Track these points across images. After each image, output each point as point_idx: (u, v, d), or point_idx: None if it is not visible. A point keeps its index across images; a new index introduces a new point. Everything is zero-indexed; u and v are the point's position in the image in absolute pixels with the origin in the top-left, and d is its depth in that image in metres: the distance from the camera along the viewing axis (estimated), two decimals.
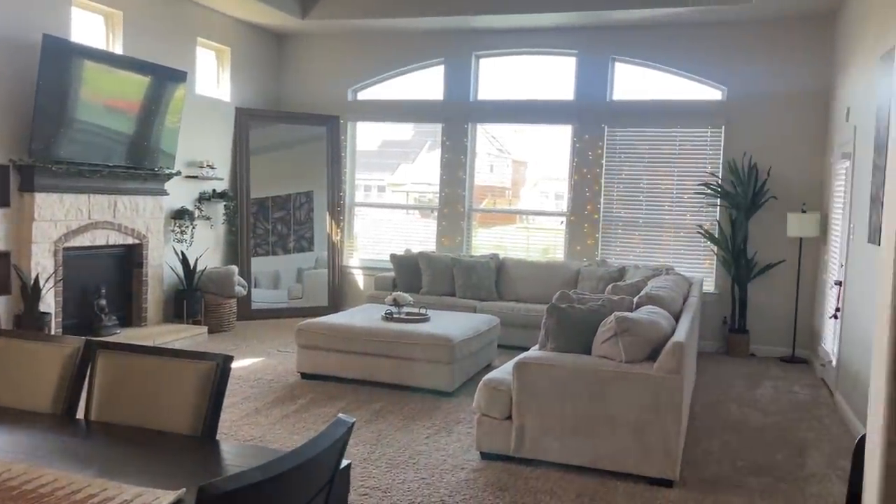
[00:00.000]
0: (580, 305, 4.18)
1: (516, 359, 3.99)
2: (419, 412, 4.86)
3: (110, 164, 6.22)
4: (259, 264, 8.32)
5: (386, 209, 8.92)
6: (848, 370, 5.23)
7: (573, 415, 3.83)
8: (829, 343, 6.10)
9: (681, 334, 3.91)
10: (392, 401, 5.09)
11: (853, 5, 6.03)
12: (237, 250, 8.15)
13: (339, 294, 8.67)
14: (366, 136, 8.88)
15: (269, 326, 7.70)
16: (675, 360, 3.68)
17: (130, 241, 6.63)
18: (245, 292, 7.60)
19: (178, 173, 7.00)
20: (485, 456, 4.04)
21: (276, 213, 8.44)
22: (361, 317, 5.82)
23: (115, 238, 6.45)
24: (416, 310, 6.07)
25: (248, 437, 4.26)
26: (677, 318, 4.72)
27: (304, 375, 5.62)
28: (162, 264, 6.98)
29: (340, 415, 1.71)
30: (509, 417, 3.96)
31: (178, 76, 6.80)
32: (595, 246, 7.84)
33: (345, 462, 2.00)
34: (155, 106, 6.60)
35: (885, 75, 4.55)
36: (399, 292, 5.94)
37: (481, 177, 8.52)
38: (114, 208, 6.37)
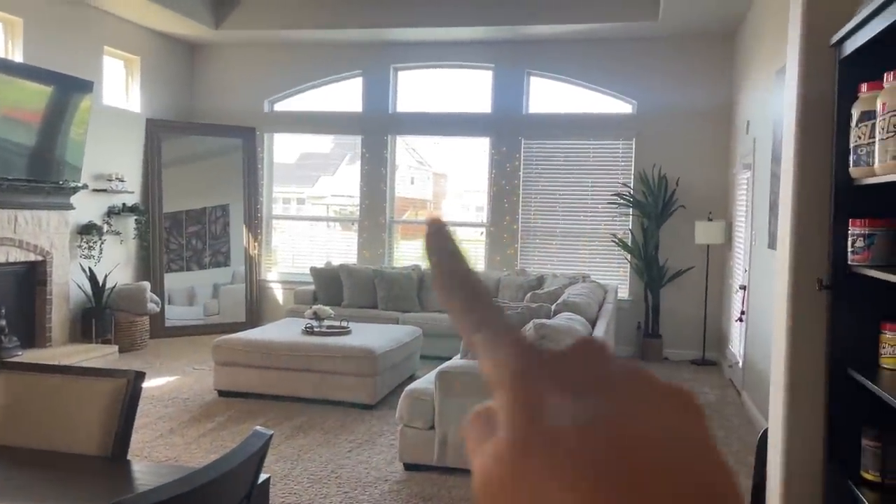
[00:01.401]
0: None
1: (438, 368, 4.01)
2: (341, 426, 4.81)
3: (9, 178, 5.91)
4: (173, 280, 8.07)
5: (306, 222, 8.82)
6: (753, 370, 5.50)
7: None
8: (736, 345, 6.40)
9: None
10: (314, 415, 5.02)
11: (751, 24, 6.39)
12: (149, 266, 7.87)
13: (257, 309, 8.50)
14: (284, 148, 8.77)
15: (185, 344, 7.46)
16: None
17: (33, 257, 6.31)
18: (158, 309, 7.35)
19: (85, 187, 6.72)
20: (408, 467, 4.04)
21: (190, 227, 8.21)
22: (281, 331, 5.72)
23: (16, 255, 6.12)
24: (337, 323, 6.01)
25: (162, 457, 4.11)
26: (593, 324, 4.85)
27: (222, 393, 5.47)
28: (68, 282, 6.67)
29: (258, 427, 1.68)
30: (432, 427, 3.98)
31: (84, 86, 6.54)
32: (514, 255, 7.98)
33: (263, 476, 1.97)
34: (59, 117, 6.32)
35: (779, 90, 4.84)
36: (319, 305, 5.88)
37: (402, 189, 8.55)
38: (14, 223, 6.05)
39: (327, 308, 5.82)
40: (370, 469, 4.04)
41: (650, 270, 7.42)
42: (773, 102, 5.08)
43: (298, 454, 4.24)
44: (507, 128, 7.93)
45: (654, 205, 7.40)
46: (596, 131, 7.74)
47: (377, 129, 8.23)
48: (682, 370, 7.00)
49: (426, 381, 4.19)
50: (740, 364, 6.03)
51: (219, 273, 8.38)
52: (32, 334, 6.42)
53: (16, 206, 6.05)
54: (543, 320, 4.00)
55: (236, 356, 5.38)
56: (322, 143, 8.93)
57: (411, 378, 6.07)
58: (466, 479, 3.89)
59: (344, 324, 5.98)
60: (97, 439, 2.10)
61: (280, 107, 8.66)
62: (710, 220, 7.30)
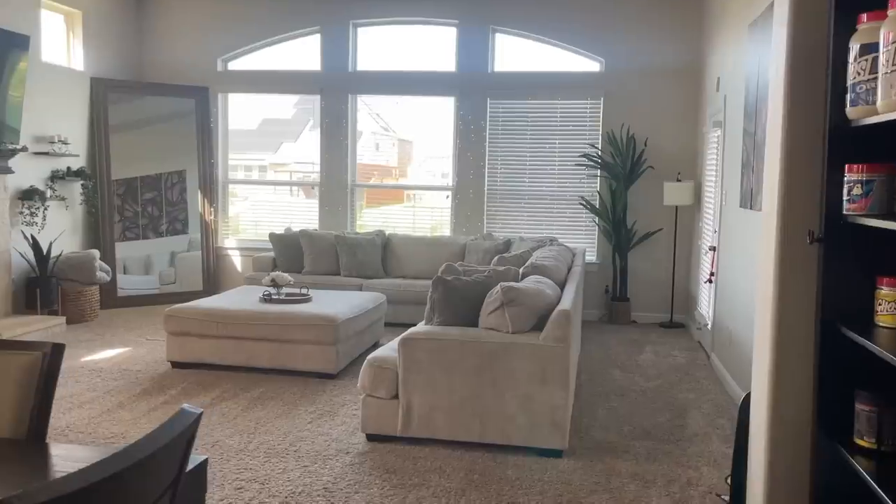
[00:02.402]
0: (466, 277, 4.05)
1: (401, 335, 3.80)
2: (301, 397, 4.60)
3: None
4: (128, 249, 7.70)
5: (267, 188, 8.48)
6: (722, 332, 5.41)
7: (461, 390, 3.70)
8: (705, 307, 6.31)
9: (566, 303, 3.86)
10: (273, 387, 4.79)
11: None
12: (99, 234, 7.50)
13: (214, 278, 8.19)
14: (243, 113, 8.37)
15: (139, 314, 7.15)
16: (561, 329, 3.62)
17: None
18: (109, 278, 7.00)
19: (24, 149, 6.31)
20: (371, 438, 3.85)
21: (146, 193, 7.82)
22: (237, 299, 5.46)
23: None
24: (296, 290, 5.77)
25: (107, 434, 3.85)
26: (562, 286, 4.69)
27: (176, 364, 5.21)
28: (9, 250, 6.29)
29: (185, 405, 1.45)
30: (396, 396, 3.79)
31: (19, 41, 6.10)
32: (480, 219, 7.78)
33: (200, 458, 1.75)
34: None
35: (752, 44, 4.67)
36: (278, 272, 5.62)
37: (367, 156, 8.25)
38: None
39: (286, 275, 5.57)
40: (331, 441, 3.85)
41: (618, 233, 7.29)
42: (745, 57, 4.90)
43: (255, 427, 4.03)
44: (472, 87, 7.67)
45: (623, 166, 7.24)
46: (563, 91, 7.52)
47: (337, 88, 7.90)
48: (650, 333, 6.92)
49: (389, 348, 3.99)
50: (709, 326, 5.95)
51: (176, 241, 8.04)
52: None
53: None
54: (511, 283, 3.81)
55: (189, 326, 5.11)
56: (284, 109, 8.55)
57: (375, 346, 5.88)
58: (432, 449, 3.73)
59: (304, 291, 5.74)
60: (9, 420, 1.85)
61: (234, 65, 8.26)
62: (678, 180, 7.17)
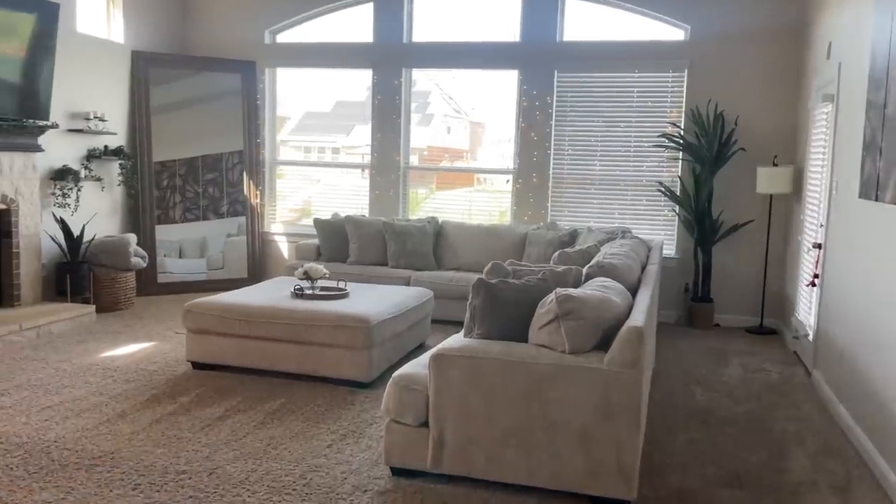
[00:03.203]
0: (515, 280, 3.33)
1: (433, 350, 3.13)
2: (326, 411, 4.00)
3: None
4: (173, 232, 7.30)
5: (336, 170, 7.86)
6: (828, 345, 4.52)
7: (504, 420, 3.01)
8: (805, 314, 5.40)
9: (639, 316, 3.10)
10: (296, 396, 4.22)
11: None
12: (138, 216, 7.11)
13: (259, 264, 7.72)
14: (316, 94, 7.77)
15: (176, 303, 6.73)
16: (632, 351, 2.87)
17: None
18: (145, 264, 6.60)
19: (55, 126, 5.92)
20: (396, 472, 3.21)
21: (200, 173, 7.40)
22: (265, 294, 4.91)
23: None
24: (333, 283, 5.18)
25: (96, 453, 3.34)
26: (634, 291, 3.93)
27: (196, 365, 4.70)
28: (38, 233, 5.93)
29: None
30: (426, 424, 3.13)
31: (48, 10, 5.68)
32: (544, 207, 7.01)
33: None
34: (18, 45, 5.48)
35: None
36: (312, 264, 5.03)
37: (439, 139, 7.60)
38: None
39: (320, 266, 4.98)
40: (349, 473, 3.23)
41: (701, 224, 6.40)
42: (872, 14, 3.97)
43: (265, 450, 3.45)
44: (538, 59, 6.88)
45: (708, 147, 6.33)
46: (641, 62, 6.65)
47: (390, 61, 7.25)
48: (735, 340, 6.04)
49: (420, 364, 3.33)
50: (810, 336, 5.05)
51: (231, 224, 7.59)
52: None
53: None
54: (569, 290, 3.08)
55: (209, 323, 4.59)
56: (357, 91, 7.88)
57: (421, 348, 5.26)
58: (468, 490, 3.06)
59: (341, 285, 5.15)
60: None
61: (283, 38, 7.71)
62: (775, 165, 6.22)
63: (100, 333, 5.54)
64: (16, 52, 5.52)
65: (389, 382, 3.20)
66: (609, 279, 3.67)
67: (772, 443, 3.77)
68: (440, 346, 3.14)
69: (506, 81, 7.12)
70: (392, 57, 7.24)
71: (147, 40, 7.24)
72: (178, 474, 3.15)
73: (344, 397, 4.23)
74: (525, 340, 3.17)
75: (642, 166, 6.77)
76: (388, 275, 6.36)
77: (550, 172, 6.97)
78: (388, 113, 7.32)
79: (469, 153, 7.98)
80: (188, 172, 7.36)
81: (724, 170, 6.39)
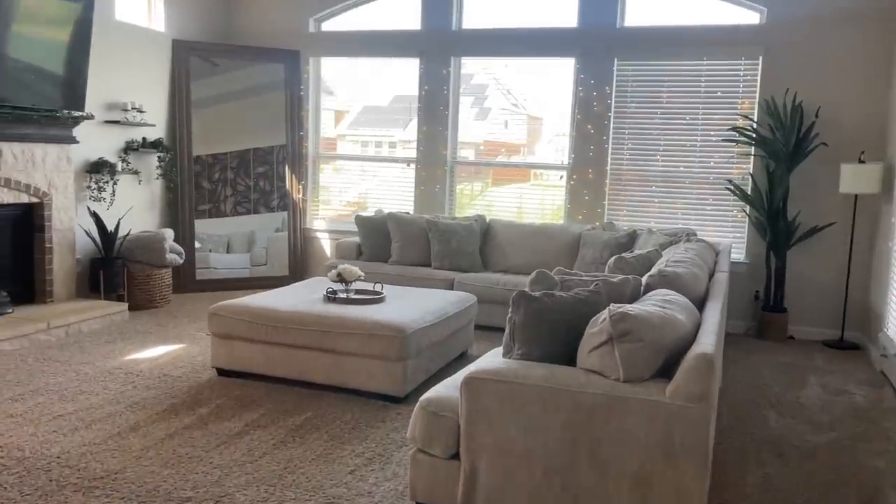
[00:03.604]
0: (562, 293, 2.90)
1: (465, 372, 2.73)
2: (353, 429, 3.65)
3: None
4: (222, 225, 7.10)
5: (393, 165, 7.50)
6: None
7: (546, 457, 2.59)
8: (895, 328, 4.79)
9: (708, 339, 2.63)
10: (323, 411, 3.88)
11: None
12: (177, 211, 6.92)
13: (301, 262, 7.45)
14: (375, 88, 7.43)
15: (213, 301, 6.49)
16: (700, 382, 2.41)
17: (26, 199, 5.40)
18: (182, 261, 6.38)
19: (90, 117, 5.73)
20: None
21: (252, 167, 7.17)
22: (297, 297, 4.59)
23: (4, 196, 5.22)
24: (369, 286, 4.83)
25: (99, 472, 3.06)
26: (701, 303, 3.45)
27: (221, 372, 4.42)
28: (73, 228, 5.76)
29: None
30: (456, 456, 2.74)
31: None
32: (600, 205, 6.52)
33: None
34: (51, 32, 5.30)
35: None
36: (346, 265, 4.69)
37: (496, 133, 7.18)
38: None
39: (355, 268, 4.63)
40: None
41: (775, 226, 5.82)
42: None
43: (282, 474, 3.11)
44: (596, 46, 6.39)
45: (785, 142, 5.74)
46: (711, 49, 6.08)
47: (438, 50, 6.87)
48: (813, 355, 5.46)
49: (451, 385, 2.93)
50: None
51: (278, 218, 7.35)
52: (32, 289, 5.58)
53: (1, 137, 5.12)
54: (625, 307, 2.64)
55: (235, 327, 4.29)
56: (412, 85, 7.50)
57: (462, 357, 4.87)
58: None
59: (377, 288, 4.80)
60: None
61: (328, 26, 7.40)
62: (861, 161, 5.59)
63: (129, 333, 5.33)
64: (62, 42, 5.34)
65: (417, 406, 2.82)
66: (672, 291, 3.20)
67: (861, 485, 3.25)
68: (473, 367, 2.74)
69: (561, 70, 6.64)
70: (440, 45, 6.85)
71: (188, 28, 7.03)
72: (182, 501, 2.83)
73: (374, 413, 3.87)
74: (573, 363, 2.74)
75: (709, 162, 6.21)
76: (430, 276, 5.99)
77: (608, 168, 6.47)
78: (436, 104, 6.94)
79: (526, 148, 7.55)
80: (240, 165, 7.16)
81: (801, 166, 5.80)
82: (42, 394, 3.99)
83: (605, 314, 2.62)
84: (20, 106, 5.15)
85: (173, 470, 3.11)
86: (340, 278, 4.61)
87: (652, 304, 2.88)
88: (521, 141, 7.59)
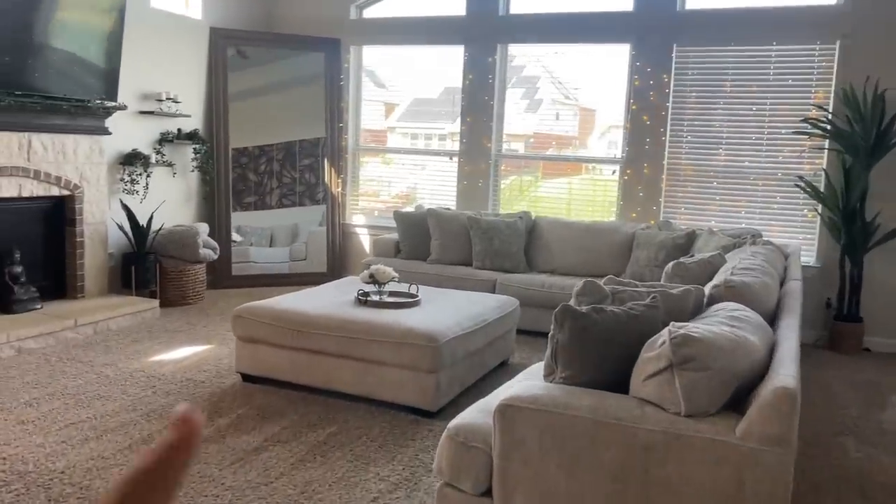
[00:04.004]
0: (614, 308, 2.52)
1: (500, 399, 2.39)
2: (380, 447, 3.34)
3: (17, 93, 4.81)
4: (260, 219, 6.91)
5: (440, 158, 7.18)
6: None
7: (593, 501, 2.23)
8: None
9: (788, 369, 2.23)
10: (350, 425, 3.59)
11: None
12: (213, 204, 6.72)
13: (339, 258, 7.20)
14: (426, 80, 7.12)
15: (249, 298, 6.28)
16: (779, 422, 2.02)
17: (56, 192, 5.26)
18: (216, 256, 6.19)
19: (123, 107, 5.56)
20: None
21: (298, 159, 6.96)
22: (326, 299, 4.30)
23: (32, 188, 5.08)
24: (404, 288, 4.52)
25: (101, 491, 2.82)
26: (772, 318, 3.04)
27: (246, 378, 4.17)
28: (105, 221, 5.60)
29: None
30: (488, 493, 2.40)
31: None
32: (656, 202, 6.08)
33: None
34: (84, 19, 5.12)
35: None
36: (379, 265, 4.38)
37: (546, 125, 6.80)
38: (27, 149, 4.99)
39: (388, 269, 4.32)
40: None
41: (851, 228, 5.30)
42: None
43: (298, 501, 2.82)
44: (653, 30, 5.93)
45: (864, 136, 5.21)
46: (781, 33, 5.57)
47: (483, 36, 6.50)
48: (891, 369, 4.94)
49: (484, 409, 2.59)
50: None
51: (319, 212, 7.12)
52: (63, 284, 5.44)
53: (29, 128, 4.97)
54: (688, 328, 2.25)
55: (260, 331, 4.03)
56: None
57: (502, 366, 4.52)
58: None
59: (413, 290, 4.48)
60: None
61: (370, 12, 7.11)
62: None
63: (158, 332, 5.14)
64: (103, 30, 5.19)
65: (444, 435, 2.49)
66: (741, 306, 2.79)
67: None
68: (509, 392, 2.39)
69: (615, 59, 6.21)
70: (486, 31, 6.48)
71: (226, 16, 6.82)
72: None
73: (404, 429, 3.56)
74: (625, 390, 2.37)
75: (777, 157, 5.71)
76: (471, 277, 5.65)
77: (665, 163, 6.02)
78: (481, 94, 6.58)
79: (577, 140, 7.16)
80: (286, 157, 6.95)
81: (882, 163, 5.26)
82: (59, 398, 3.79)
83: (664, 335, 2.25)
84: (50, 95, 4.99)
85: (181, 491, 2.85)
86: (373, 279, 4.31)
87: (719, 322, 2.49)
88: (572, 133, 7.20)
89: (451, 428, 2.49)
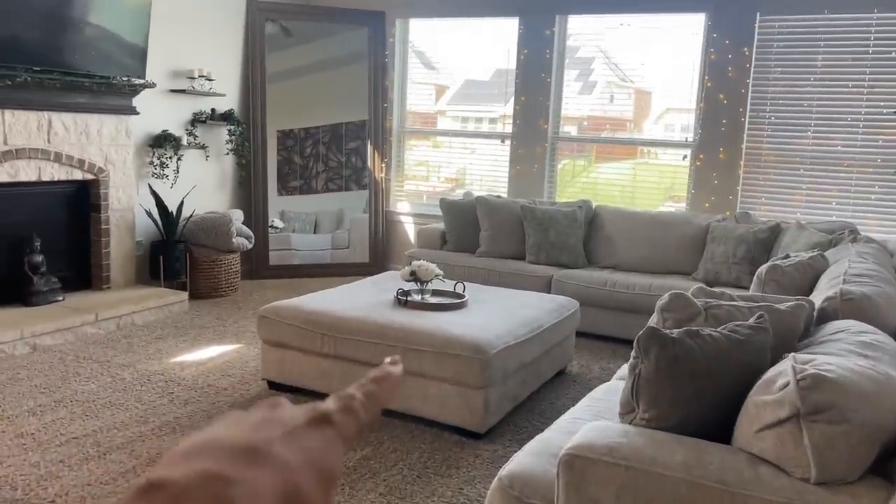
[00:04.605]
0: (712, 331, 1.98)
1: (564, 449, 1.88)
2: (419, 477, 2.87)
3: (36, 69, 4.46)
4: (304, 204, 6.53)
5: (467, 140, 6.69)
6: None
7: None
8: None
9: None
10: (386, 446, 3.13)
11: None
12: (250, 190, 6.34)
13: (383, 248, 6.75)
14: (476, 62, 6.61)
15: (286, 290, 5.90)
16: None
17: (80, 175, 4.92)
18: (250, 245, 5.80)
19: (152, 85, 5.18)
20: None
21: (344, 141, 6.55)
22: (362, 298, 3.84)
23: (53, 172, 4.74)
24: (449, 287, 4.03)
25: None
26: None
27: (272, 385, 3.75)
28: (132, 207, 5.26)
29: None
30: None
31: None
32: (732, 191, 5.44)
33: None
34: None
35: None
36: (422, 261, 3.90)
37: (600, 108, 6.23)
38: (47, 130, 4.65)
39: (432, 266, 3.84)
40: None
41: None
42: None
43: None
44: None
45: None
46: None
47: (540, 6, 5.92)
48: None
49: (543, 454, 2.09)
50: None
51: (364, 197, 6.69)
52: (87, 274, 5.12)
53: (49, 106, 4.62)
54: (818, 363, 1.70)
55: (286, 334, 3.59)
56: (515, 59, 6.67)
57: (559, 376, 4.02)
58: None
59: (458, 288, 3.99)
60: None
61: None
62: None
63: (185, 328, 4.77)
64: (132, 1, 4.82)
65: (495, 483, 2.00)
66: (868, 327, 2.22)
67: None
68: (578, 439, 1.88)
69: (683, 31, 5.56)
70: (543, 1, 5.90)
71: None
72: None
73: (446, 453, 3.08)
74: (725, 438, 1.84)
75: (876, 140, 5.02)
76: (523, 272, 5.13)
77: (743, 146, 5.38)
78: (536, 70, 6.01)
79: (632, 123, 6.56)
80: (332, 140, 6.54)
81: None
82: (66, 405, 3.43)
83: (786, 373, 1.71)
84: (71, 71, 4.63)
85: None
86: (414, 277, 3.83)
87: (849, 352, 1.94)
88: (626, 116, 6.60)
89: (503, 477, 1.99)
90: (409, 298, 3.74)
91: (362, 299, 3.80)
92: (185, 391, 3.67)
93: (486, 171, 6.44)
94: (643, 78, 5.96)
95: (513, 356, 3.34)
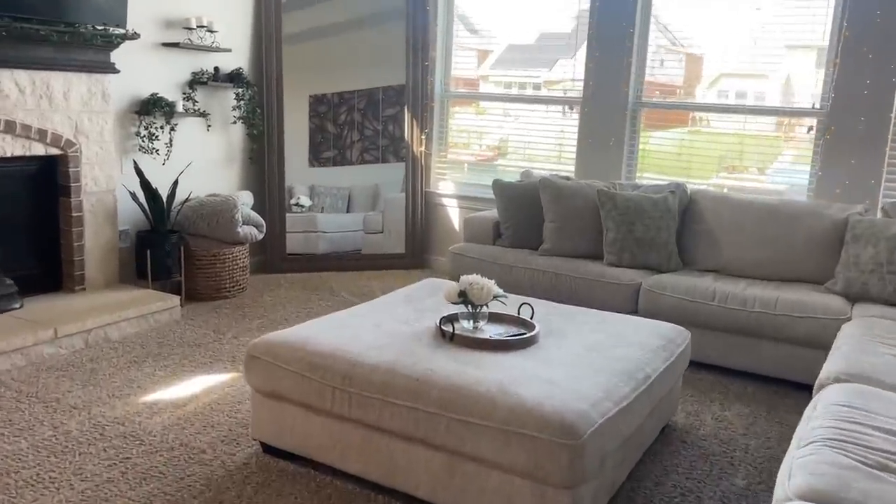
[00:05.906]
0: None
1: None
2: None
3: None
4: (337, 176, 5.49)
5: (540, 107, 5.50)
6: None
7: None
8: None
9: None
10: None
11: None
12: (264, 166, 5.28)
13: (423, 236, 5.66)
14: (521, 26, 5.47)
15: (305, 288, 4.87)
16: None
17: (41, 150, 3.90)
18: (261, 235, 4.76)
19: (135, 36, 4.12)
20: None
21: (386, 109, 5.46)
22: (391, 325, 2.75)
23: (6, 146, 3.73)
24: (510, 311, 2.92)
25: None
26: None
27: (268, 449, 2.70)
28: (113, 189, 4.24)
29: None
30: None
31: None
32: (875, 175, 4.20)
33: None
34: None
35: None
36: (476, 277, 2.77)
37: (650, 72, 5.00)
38: None
39: (489, 284, 2.72)
40: None
41: None
42: None
43: None
44: None
45: None
46: None
47: None
48: None
49: None
50: None
51: (399, 171, 5.62)
52: (57, 273, 4.13)
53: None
54: None
55: (285, 383, 2.53)
56: (562, 22, 5.50)
57: (663, 434, 2.90)
58: None
59: (524, 312, 2.89)
60: None
61: None
62: None
63: (171, 346, 3.76)
64: None
65: None
66: None
67: None
68: None
69: None
70: None
71: None
72: None
73: None
74: None
75: None
76: (601, 278, 3.97)
77: (893, 115, 4.11)
78: (615, 22, 4.79)
79: (682, 90, 5.35)
80: (367, 106, 5.46)
81: None
82: None
83: None
84: (22, 16, 3.58)
85: None
86: (465, 298, 2.73)
87: None
88: (676, 82, 5.39)
89: None
90: (455, 329, 2.64)
91: (391, 328, 2.71)
92: (147, 455, 2.64)
93: (544, 146, 5.27)
94: (694, 41, 4.68)
95: (614, 431, 2.22)
